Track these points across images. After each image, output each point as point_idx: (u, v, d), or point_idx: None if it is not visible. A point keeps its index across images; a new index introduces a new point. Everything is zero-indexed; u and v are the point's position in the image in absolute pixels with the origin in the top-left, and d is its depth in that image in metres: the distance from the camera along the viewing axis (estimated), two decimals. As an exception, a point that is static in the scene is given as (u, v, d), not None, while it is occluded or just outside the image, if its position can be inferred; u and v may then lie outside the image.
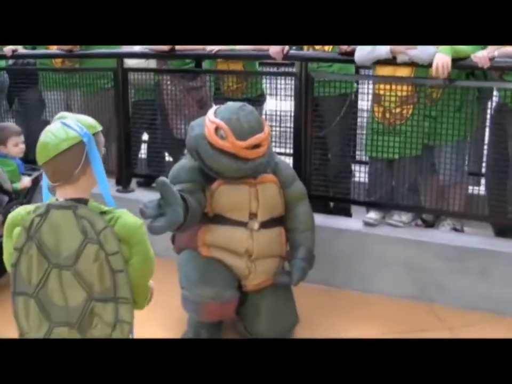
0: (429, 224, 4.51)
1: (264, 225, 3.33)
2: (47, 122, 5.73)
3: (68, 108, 5.46)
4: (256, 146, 3.17)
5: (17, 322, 2.07)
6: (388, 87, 3.95)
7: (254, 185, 3.29)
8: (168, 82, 4.70)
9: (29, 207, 2.06)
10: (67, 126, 2.03)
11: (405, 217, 4.12)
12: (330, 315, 3.83)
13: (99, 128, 2.11)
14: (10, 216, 2.09)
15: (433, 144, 4.06)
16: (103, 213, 1.99)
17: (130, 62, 4.94)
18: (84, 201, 2.01)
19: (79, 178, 2.01)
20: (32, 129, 5.69)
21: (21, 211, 2.07)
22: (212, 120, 3.17)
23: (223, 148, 3.12)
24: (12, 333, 2.12)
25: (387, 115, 4.01)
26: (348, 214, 4.61)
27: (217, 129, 3.13)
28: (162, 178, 2.78)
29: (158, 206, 2.78)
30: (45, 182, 2.08)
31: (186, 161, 3.38)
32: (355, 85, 4.44)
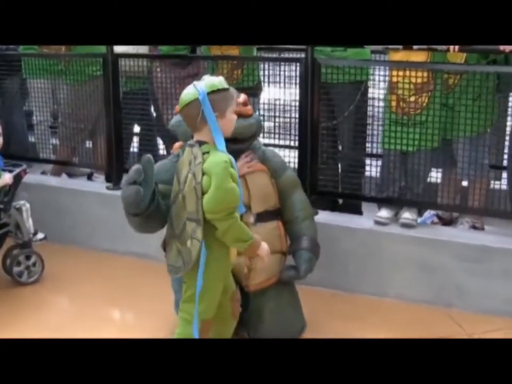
0: (446, 222, 4.45)
1: (260, 218, 3.33)
2: (30, 113, 5.69)
3: (54, 98, 5.40)
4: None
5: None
6: (401, 73, 3.88)
7: (242, 176, 3.23)
8: (158, 70, 4.61)
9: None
10: (194, 85, 2.77)
11: (415, 214, 4.06)
12: (340, 321, 3.78)
13: (220, 86, 2.76)
14: None
15: (451, 137, 3.99)
16: (206, 152, 2.74)
17: (120, 49, 4.87)
18: (202, 143, 2.77)
19: (201, 127, 2.77)
20: (13, 121, 5.65)
21: None
22: None
23: None
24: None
25: (401, 104, 3.95)
26: (358, 211, 4.54)
27: None
28: (149, 155, 2.92)
29: (139, 173, 2.85)
30: None
31: (167, 161, 3.34)
32: (371, 71, 4.35)
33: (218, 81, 2.79)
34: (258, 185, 3.33)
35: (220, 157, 2.72)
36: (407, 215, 4.05)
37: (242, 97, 3.28)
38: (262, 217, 3.34)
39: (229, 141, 3.05)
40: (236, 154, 3.21)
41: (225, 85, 2.80)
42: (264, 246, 2.91)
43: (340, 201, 4.68)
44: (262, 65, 4.44)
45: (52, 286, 4.29)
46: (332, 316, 3.85)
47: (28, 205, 4.28)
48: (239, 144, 3.25)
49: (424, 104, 3.93)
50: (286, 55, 4.71)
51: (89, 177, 5.49)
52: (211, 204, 2.70)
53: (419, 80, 3.87)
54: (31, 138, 5.77)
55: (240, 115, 3.18)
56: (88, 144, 5.46)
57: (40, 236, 4.79)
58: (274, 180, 3.43)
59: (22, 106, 5.82)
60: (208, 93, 2.74)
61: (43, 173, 5.51)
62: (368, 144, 4.76)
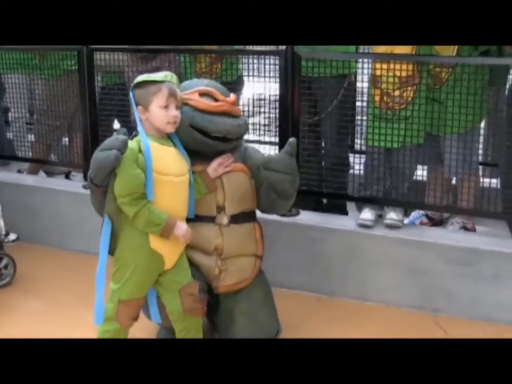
0: (436, 222, 4.39)
1: (235, 220, 3.30)
2: (7, 110, 5.64)
3: (31, 93, 5.36)
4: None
5: None
6: (385, 66, 3.82)
7: (218, 177, 3.28)
8: (129, 64, 4.56)
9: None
10: None
11: (401, 214, 4.00)
12: (322, 326, 3.71)
13: (144, 79, 2.99)
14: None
15: (438, 132, 3.93)
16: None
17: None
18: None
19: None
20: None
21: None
22: (190, 92, 3.26)
23: (219, 108, 3.24)
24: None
25: (385, 98, 3.89)
26: (343, 211, 4.48)
27: (200, 96, 3.25)
28: (124, 129, 3.10)
29: (125, 144, 2.93)
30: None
31: None
32: (357, 65, 4.29)
33: (145, 77, 3.04)
34: (234, 186, 3.30)
35: (129, 144, 2.95)
36: (392, 215, 3.98)
37: (232, 97, 3.34)
38: (238, 218, 3.32)
39: (219, 140, 3.22)
40: (221, 152, 3.28)
41: (158, 79, 3.00)
42: (181, 226, 3.03)
43: (325, 200, 4.61)
44: (242, 60, 4.40)
45: (24, 288, 4.25)
46: (312, 320, 3.79)
47: None
48: (227, 143, 3.26)
49: (409, 99, 3.87)
50: (267, 48, 4.63)
51: (67, 175, 5.45)
52: (117, 188, 2.95)
53: (404, 73, 3.81)
54: (8, 136, 5.75)
55: (230, 115, 3.26)
56: (65, 141, 5.42)
57: (12, 236, 4.80)
58: (255, 178, 3.37)
59: (-1, 102, 5.79)
60: (134, 87, 3.04)
61: (19, 171, 5.48)
62: (357, 141, 4.73)
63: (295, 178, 3.28)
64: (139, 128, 3.03)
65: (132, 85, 3.07)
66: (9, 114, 5.60)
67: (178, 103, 3.05)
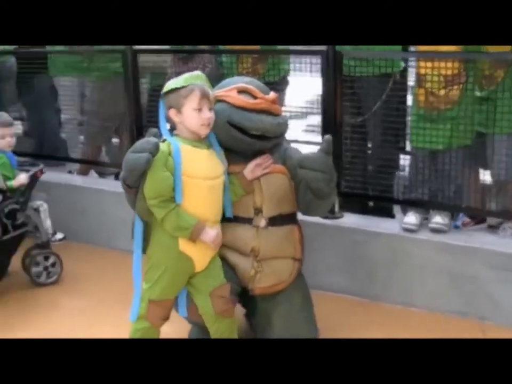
0: (478, 221, 4.30)
1: (273, 222, 3.27)
2: (59, 112, 5.75)
3: (82, 96, 5.44)
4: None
5: None
6: (429, 64, 3.73)
7: (256, 179, 3.26)
8: (172, 64, 4.60)
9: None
10: None
11: (447, 218, 3.90)
12: (362, 330, 3.65)
13: (174, 86, 3.01)
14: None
15: (486, 132, 3.82)
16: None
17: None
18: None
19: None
20: (43, 119, 5.74)
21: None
22: (228, 89, 3.26)
23: (258, 106, 3.22)
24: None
25: (430, 98, 3.80)
26: (390, 214, 4.42)
27: (239, 93, 3.24)
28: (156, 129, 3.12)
29: (156, 147, 2.96)
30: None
31: None
32: (402, 63, 4.22)
33: (176, 80, 3.06)
34: (273, 187, 3.27)
35: (160, 146, 2.98)
36: (438, 219, 3.90)
37: (272, 95, 3.31)
38: (276, 220, 3.29)
39: (256, 137, 3.20)
40: (259, 152, 3.27)
41: (184, 83, 3.01)
42: (210, 231, 3.04)
43: (371, 203, 4.55)
44: (286, 60, 4.38)
45: (69, 286, 4.37)
46: (352, 323, 3.75)
47: (45, 205, 4.40)
48: (265, 141, 3.25)
49: (456, 98, 3.77)
50: (309, 47, 4.59)
51: (117, 176, 5.52)
52: (146, 190, 2.98)
53: (449, 72, 3.72)
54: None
55: (269, 113, 3.24)
56: (115, 142, 5.50)
57: (59, 236, 4.92)
58: (294, 179, 3.31)
59: (52, 105, 5.88)
60: (166, 92, 3.07)
61: (70, 172, 5.58)
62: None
63: (331, 177, 3.16)
64: (164, 130, 3.07)
65: (162, 91, 3.08)
66: (61, 116, 5.70)
67: (211, 104, 3.05)
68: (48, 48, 5.34)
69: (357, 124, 4.19)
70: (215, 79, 3.69)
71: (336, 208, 4.22)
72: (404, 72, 4.26)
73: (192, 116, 3.00)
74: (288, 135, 3.50)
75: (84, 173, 5.50)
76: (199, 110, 3.00)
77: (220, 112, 3.14)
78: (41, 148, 5.80)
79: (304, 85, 4.27)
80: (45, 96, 5.72)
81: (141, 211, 3.07)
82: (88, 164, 5.44)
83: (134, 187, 3.04)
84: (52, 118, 5.83)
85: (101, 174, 5.66)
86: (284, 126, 3.33)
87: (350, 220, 4.16)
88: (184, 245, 3.05)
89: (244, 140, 3.20)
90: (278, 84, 4.46)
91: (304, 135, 4.38)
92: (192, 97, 2.99)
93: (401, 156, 4.40)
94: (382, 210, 4.39)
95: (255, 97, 3.24)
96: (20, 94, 5.89)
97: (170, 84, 3.06)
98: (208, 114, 3.02)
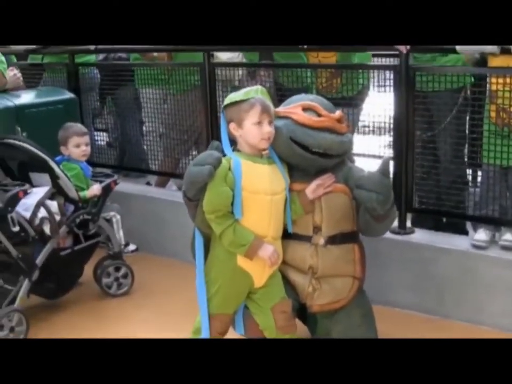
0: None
1: (332, 240, 3.39)
2: (142, 123, 6.04)
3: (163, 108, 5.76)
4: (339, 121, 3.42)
5: None
6: (501, 81, 3.85)
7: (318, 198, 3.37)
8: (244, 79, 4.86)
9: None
10: None
11: None
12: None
13: (235, 99, 3.15)
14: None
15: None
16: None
17: (225, 56, 5.18)
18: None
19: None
20: (127, 131, 6.09)
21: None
22: (293, 106, 3.40)
23: (321, 124, 3.33)
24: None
25: (502, 114, 3.92)
26: (462, 231, 4.54)
27: (303, 110, 3.36)
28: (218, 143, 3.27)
29: (219, 161, 3.12)
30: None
31: None
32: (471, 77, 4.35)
33: (237, 94, 3.19)
34: (333, 207, 3.38)
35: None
36: (509, 236, 3.99)
37: (338, 113, 3.42)
38: (335, 239, 3.40)
39: (318, 155, 3.31)
40: (322, 170, 3.38)
41: (245, 97, 3.15)
42: (267, 248, 3.14)
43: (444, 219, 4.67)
44: (364, 74, 4.56)
45: (139, 298, 4.56)
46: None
47: (118, 216, 4.61)
48: (327, 159, 3.36)
49: (529, 114, 3.88)
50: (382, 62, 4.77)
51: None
52: (204, 204, 3.13)
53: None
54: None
55: (333, 131, 3.35)
56: (193, 156, 5.77)
57: (131, 247, 5.14)
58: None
59: (137, 116, 6.22)
60: (226, 106, 3.21)
61: (148, 183, 5.89)
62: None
63: (386, 198, 3.18)
64: (225, 143, 3.21)
65: (223, 105, 3.25)
66: (143, 128, 6.03)
67: (271, 118, 3.18)
68: (132, 59, 5.71)
69: (428, 139, 4.33)
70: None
71: (408, 224, 4.38)
72: (476, 87, 4.35)
73: (252, 130, 3.13)
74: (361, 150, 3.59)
75: (161, 185, 5.79)
76: (259, 124, 3.12)
77: (283, 128, 3.27)
78: (123, 159, 6.17)
79: (376, 100, 4.40)
80: (129, 108, 6.07)
81: (201, 225, 3.23)
82: (166, 175, 5.73)
83: (194, 200, 3.21)
84: (135, 129, 6.18)
85: (180, 187, 5.95)
86: (347, 145, 3.42)
87: (420, 235, 4.28)
88: (241, 260, 3.17)
89: (306, 157, 3.31)
90: (355, 99, 4.64)
91: (377, 150, 4.49)
92: (253, 111, 3.11)
93: (473, 172, 4.51)
94: (455, 227, 4.50)
95: (319, 115, 3.36)
96: (104, 106, 6.26)
97: (230, 97, 3.19)
98: (268, 129, 3.14)
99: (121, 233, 4.63)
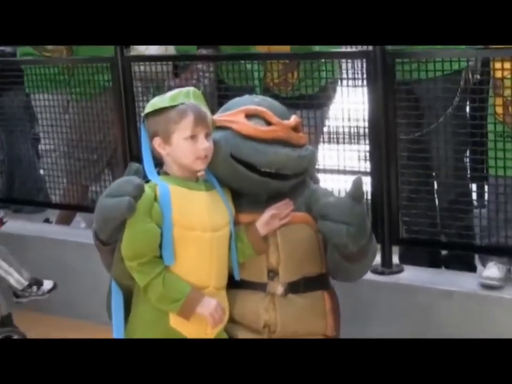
0: None
1: (294, 288, 3.30)
2: (37, 140, 5.93)
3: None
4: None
5: None
6: (508, 65, 3.81)
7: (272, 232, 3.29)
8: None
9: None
10: None
11: None
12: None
13: (161, 105, 3.03)
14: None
15: None
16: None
17: (143, 47, 5.09)
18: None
19: None
20: (16, 150, 5.96)
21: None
22: (234, 112, 3.30)
23: (272, 134, 3.24)
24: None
25: (511, 110, 3.88)
26: (470, 266, 4.48)
27: (247, 117, 3.26)
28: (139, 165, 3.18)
29: (141, 190, 2.98)
30: None
31: None
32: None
33: (161, 99, 3.09)
34: (293, 243, 3.30)
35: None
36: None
37: (293, 119, 3.35)
38: (297, 286, 3.32)
39: (268, 175, 3.22)
40: (276, 195, 3.28)
41: (172, 102, 3.04)
42: (209, 302, 3.02)
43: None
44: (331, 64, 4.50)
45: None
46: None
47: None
48: (282, 181, 3.28)
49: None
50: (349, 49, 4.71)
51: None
52: (124, 249, 2.99)
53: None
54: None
55: (287, 143, 3.27)
56: (106, 181, 5.64)
57: (47, 285, 4.87)
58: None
59: (28, 131, 6.10)
60: (148, 115, 3.10)
61: (47, 220, 5.75)
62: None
63: (359, 231, 3.01)
64: (148, 165, 3.10)
65: (143, 113, 3.15)
66: (39, 146, 5.90)
67: (208, 129, 3.09)
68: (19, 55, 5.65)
69: (417, 147, 4.26)
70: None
71: (395, 260, 4.30)
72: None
73: (184, 146, 3.04)
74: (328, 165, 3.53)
75: (65, 221, 5.67)
76: (193, 138, 3.03)
77: (222, 143, 3.18)
78: (12, 189, 6.02)
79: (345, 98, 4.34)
80: (17, 120, 5.99)
81: (119, 275, 3.11)
82: (71, 209, 5.60)
83: (109, 243, 3.11)
84: (26, 148, 6.07)
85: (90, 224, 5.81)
86: (307, 160, 3.33)
87: (412, 275, 4.23)
88: (175, 320, 3.05)
89: (253, 179, 3.22)
90: (316, 98, 4.57)
91: (350, 164, 4.43)
92: (183, 122, 3.02)
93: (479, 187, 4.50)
94: (457, 261, 4.47)
95: (269, 123, 3.28)
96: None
97: (153, 104, 3.10)
98: (205, 144, 3.04)
99: (15, 272, 4.59)
